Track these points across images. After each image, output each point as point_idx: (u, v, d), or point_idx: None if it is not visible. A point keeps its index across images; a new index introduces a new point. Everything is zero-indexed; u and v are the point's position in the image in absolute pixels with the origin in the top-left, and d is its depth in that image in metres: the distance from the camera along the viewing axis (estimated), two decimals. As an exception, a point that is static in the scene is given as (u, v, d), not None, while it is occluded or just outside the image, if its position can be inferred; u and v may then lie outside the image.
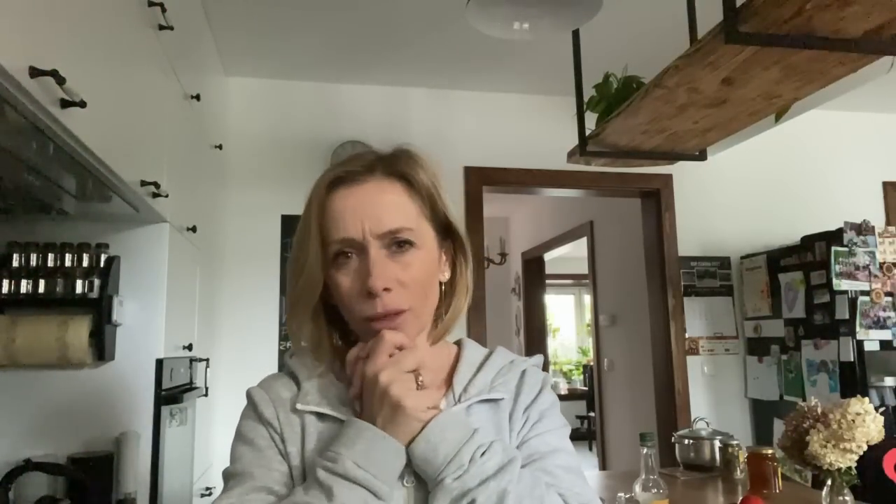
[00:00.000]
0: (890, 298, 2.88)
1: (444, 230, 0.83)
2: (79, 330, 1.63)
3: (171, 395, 1.83)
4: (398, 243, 0.76)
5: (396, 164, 0.80)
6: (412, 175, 0.80)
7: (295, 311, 0.81)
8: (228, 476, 0.76)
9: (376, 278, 0.73)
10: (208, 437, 2.47)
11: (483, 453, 0.70)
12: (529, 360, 0.88)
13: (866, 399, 1.45)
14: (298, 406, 0.77)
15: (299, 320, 0.81)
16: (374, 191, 0.78)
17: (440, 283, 0.84)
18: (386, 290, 0.74)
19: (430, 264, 0.80)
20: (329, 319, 0.83)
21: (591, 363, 5.82)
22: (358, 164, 0.80)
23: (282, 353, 2.97)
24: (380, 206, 0.77)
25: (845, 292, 2.86)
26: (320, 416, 0.77)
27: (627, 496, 1.59)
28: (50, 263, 1.69)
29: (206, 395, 2.33)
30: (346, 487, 0.67)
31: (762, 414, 3.40)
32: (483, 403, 0.80)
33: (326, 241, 0.77)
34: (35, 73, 0.93)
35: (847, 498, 1.45)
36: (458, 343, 0.89)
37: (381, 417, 0.70)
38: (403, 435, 0.71)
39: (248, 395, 0.81)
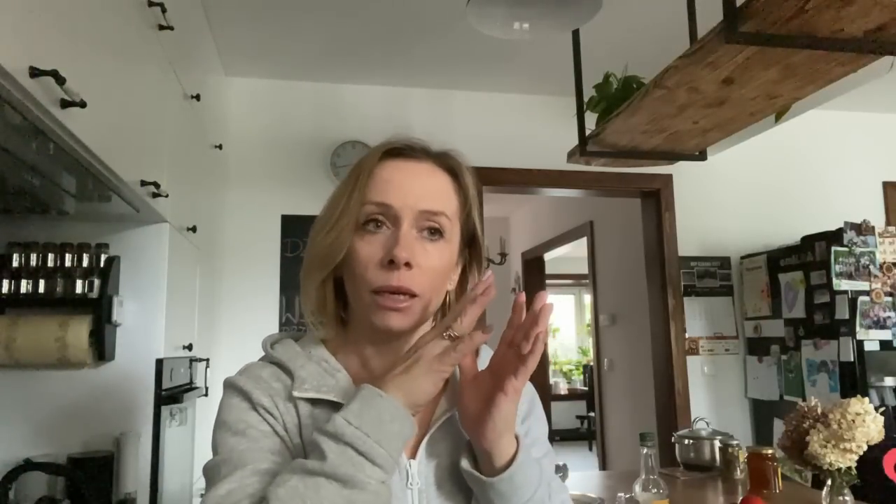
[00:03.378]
0: (890, 298, 2.88)
1: (468, 240, 0.84)
2: (79, 330, 1.63)
3: (171, 395, 1.83)
4: (431, 230, 0.76)
5: (450, 161, 0.82)
6: (461, 175, 0.82)
7: (311, 271, 0.78)
8: (218, 465, 0.71)
9: (403, 248, 0.72)
10: (208, 437, 2.46)
11: (549, 496, 0.73)
12: None
13: (866, 399, 1.45)
14: (295, 394, 0.73)
15: (314, 281, 0.79)
16: (427, 171, 0.79)
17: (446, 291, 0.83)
18: (407, 265, 0.73)
19: (450, 263, 0.79)
20: (336, 293, 0.81)
21: (591, 363, 5.82)
22: (416, 144, 0.81)
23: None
24: (428, 186, 0.78)
25: (845, 292, 2.86)
26: (314, 402, 0.74)
27: (627, 496, 1.59)
28: (50, 263, 1.69)
29: (206, 395, 2.33)
30: (335, 445, 0.63)
31: (762, 414, 3.40)
32: None
33: (364, 203, 0.76)
34: (35, 73, 0.93)
35: (847, 498, 1.45)
36: None
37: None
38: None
39: (234, 385, 0.76)
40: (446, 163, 0.81)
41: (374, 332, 0.77)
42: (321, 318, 0.80)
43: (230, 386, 0.77)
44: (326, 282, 0.80)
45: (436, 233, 0.77)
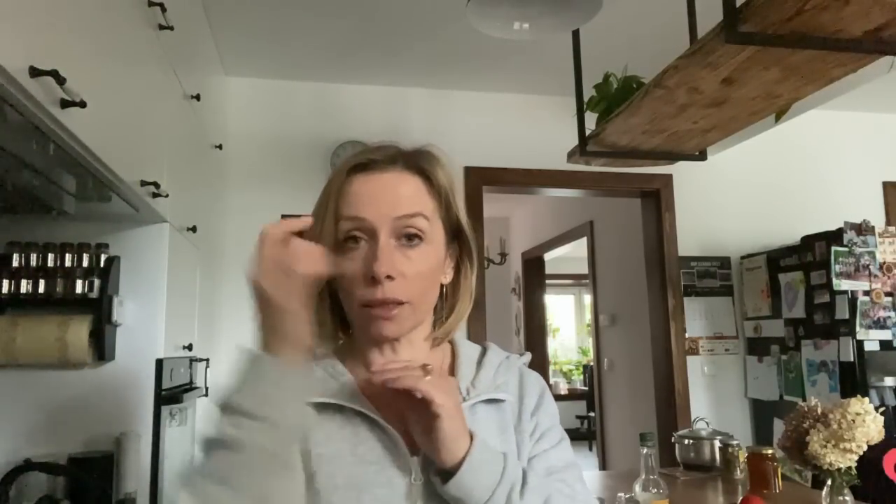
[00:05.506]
0: (890, 298, 2.88)
1: (454, 232, 0.84)
2: (79, 330, 1.63)
3: (171, 395, 1.83)
4: (408, 236, 0.77)
5: (418, 160, 0.81)
6: (432, 172, 0.81)
7: None
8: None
9: (381, 264, 0.74)
10: (208, 437, 2.46)
11: (521, 493, 0.70)
12: (521, 358, 0.89)
13: (866, 399, 1.45)
14: None
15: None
16: (394, 180, 0.79)
17: (441, 286, 0.84)
18: (389, 277, 0.74)
19: (436, 263, 0.80)
20: (333, 305, 0.83)
21: (591, 363, 5.82)
22: (381, 154, 0.81)
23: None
24: (397, 194, 0.78)
25: (845, 292, 2.86)
26: (320, 407, 0.75)
27: (627, 496, 1.59)
28: (50, 263, 1.69)
29: (206, 395, 2.33)
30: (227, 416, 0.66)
31: (762, 414, 3.40)
32: (487, 403, 0.80)
33: (338, 220, 0.77)
34: (35, 73, 0.93)
35: (847, 498, 1.45)
36: (450, 341, 0.89)
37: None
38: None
39: None
40: (415, 164, 0.81)
41: (374, 341, 0.80)
42: (321, 333, 0.82)
43: None
44: (323, 297, 0.81)
45: (414, 238, 0.77)
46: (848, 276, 2.88)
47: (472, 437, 0.71)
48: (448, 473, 0.69)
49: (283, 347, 0.68)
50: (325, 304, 0.82)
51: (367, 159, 0.80)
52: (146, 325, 1.80)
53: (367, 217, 0.76)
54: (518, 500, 0.70)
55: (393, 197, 0.77)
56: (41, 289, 1.67)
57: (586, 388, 8.05)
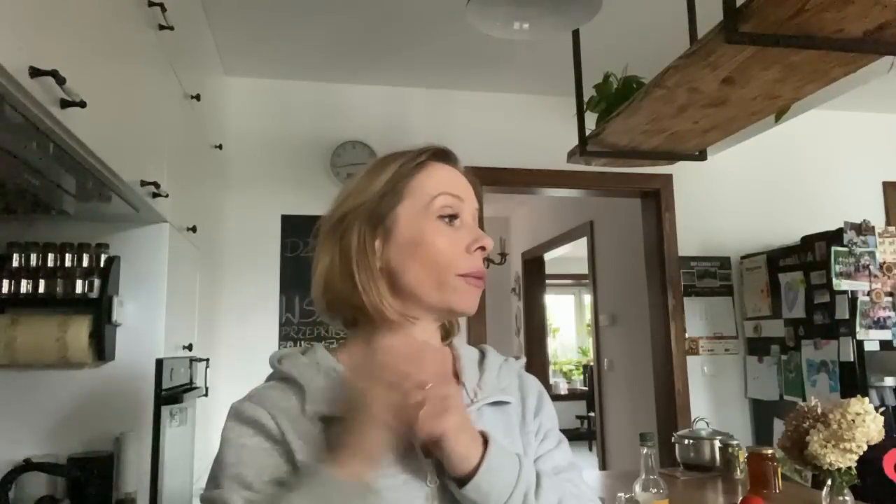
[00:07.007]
0: (890, 298, 2.87)
1: None
2: (79, 330, 1.63)
3: (171, 395, 1.83)
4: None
5: (468, 173, 0.89)
6: (476, 185, 0.89)
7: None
8: (212, 484, 0.71)
9: (488, 238, 0.81)
10: (208, 437, 2.46)
11: (536, 494, 0.70)
12: (518, 361, 0.91)
13: (866, 399, 1.45)
14: (308, 407, 0.73)
15: (377, 286, 0.79)
16: (465, 176, 0.87)
17: None
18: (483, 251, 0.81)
19: None
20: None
21: (591, 363, 5.82)
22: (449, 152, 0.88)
23: (282, 353, 2.97)
24: (471, 188, 0.86)
25: (845, 292, 2.86)
26: (330, 420, 0.72)
27: (627, 496, 1.59)
28: (50, 263, 1.69)
29: (206, 395, 2.33)
30: None
31: (762, 414, 3.40)
32: (492, 406, 0.81)
33: (437, 193, 0.80)
34: (35, 73, 0.93)
35: (847, 498, 1.45)
36: (449, 343, 0.89)
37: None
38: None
39: (236, 409, 0.74)
40: (466, 171, 0.89)
41: (457, 311, 0.80)
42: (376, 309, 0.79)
43: (235, 416, 0.74)
44: (377, 276, 0.79)
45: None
46: (848, 276, 2.88)
47: (486, 442, 0.70)
48: (464, 479, 0.69)
49: (355, 461, 0.67)
50: (383, 283, 0.79)
51: (440, 150, 0.86)
52: (146, 326, 1.80)
53: (464, 199, 0.82)
54: (534, 501, 0.70)
55: (470, 189, 0.85)
56: (41, 289, 1.67)
57: (586, 388, 8.05)
